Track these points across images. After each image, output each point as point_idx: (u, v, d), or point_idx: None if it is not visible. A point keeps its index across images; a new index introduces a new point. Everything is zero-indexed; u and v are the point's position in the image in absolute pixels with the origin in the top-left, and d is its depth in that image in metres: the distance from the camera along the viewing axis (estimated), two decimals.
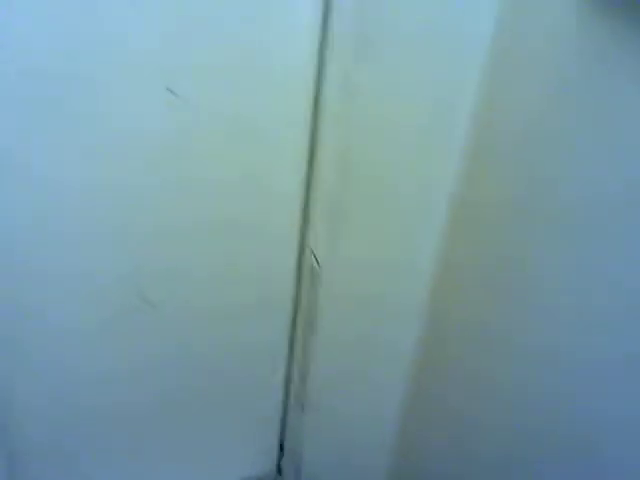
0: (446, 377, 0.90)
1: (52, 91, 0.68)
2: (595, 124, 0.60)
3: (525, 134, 0.69)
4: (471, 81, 0.73)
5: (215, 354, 0.99)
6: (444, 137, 0.77)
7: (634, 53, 0.54)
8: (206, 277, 0.91)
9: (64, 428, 0.94)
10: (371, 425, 1.05)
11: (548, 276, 0.68)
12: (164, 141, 0.77)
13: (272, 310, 0.99)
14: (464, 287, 0.82)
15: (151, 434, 1.03)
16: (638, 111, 0.54)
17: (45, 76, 0.67)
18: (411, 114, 0.76)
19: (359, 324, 0.93)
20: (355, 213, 0.84)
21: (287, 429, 1.14)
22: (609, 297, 0.61)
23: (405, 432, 1.03)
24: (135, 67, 0.71)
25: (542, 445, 0.72)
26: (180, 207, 0.83)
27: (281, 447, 1.17)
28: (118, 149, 0.75)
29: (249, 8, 0.72)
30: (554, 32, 0.63)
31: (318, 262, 0.90)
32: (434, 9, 0.70)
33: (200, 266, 0.89)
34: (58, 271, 0.80)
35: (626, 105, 0.56)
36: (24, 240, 0.76)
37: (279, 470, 1.19)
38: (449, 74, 0.74)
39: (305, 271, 0.95)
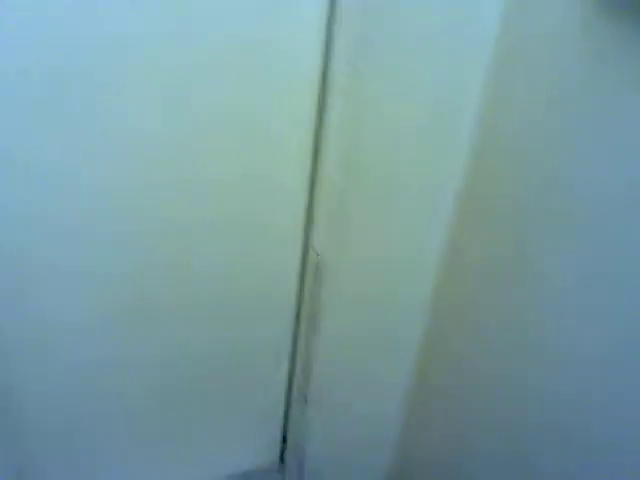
0: (449, 373, 0.90)
1: (53, 89, 0.68)
2: (597, 124, 0.60)
3: (529, 133, 0.69)
4: (476, 80, 0.73)
5: (219, 350, 1.00)
6: (449, 136, 0.78)
7: (637, 54, 0.54)
8: (210, 274, 0.91)
9: (69, 420, 0.95)
10: (373, 419, 1.06)
11: (551, 274, 0.69)
12: (166, 139, 0.77)
13: (276, 306, 1.00)
14: (467, 284, 0.83)
15: (155, 427, 1.03)
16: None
17: (45, 75, 0.67)
18: (416, 113, 0.76)
19: (362, 320, 0.94)
20: (359, 211, 0.84)
21: (290, 423, 1.15)
22: (610, 294, 0.62)
23: (407, 427, 1.04)
24: (137, 65, 0.70)
25: (544, 441, 0.72)
26: (184, 205, 0.83)
27: (284, 440, 1.18)
28: (121, 148, 0.75)
29: (253, 4, 0.72)
30: (558, 33, 0.63)
31: (321, 259, 0.90)
32: (441, 8, 0.71)
33: (204, 263, 0.90)
34: (59, 269, 0.80)
35: (629, 105, 0.56)
36: (25, 235, 0.76)
37: (282, 463, 1.20)
38: (454, 73, 0.74)
39: (309, 268, 0.95)
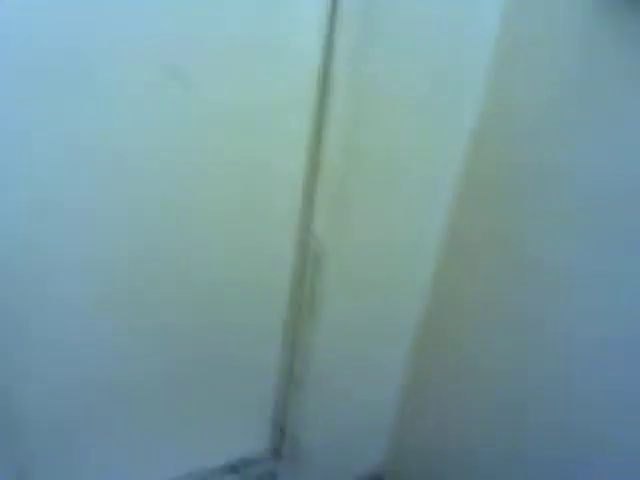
0: (446, 361, 0.92)
1: (55, 80, 0.67)
2: (595, 121, 0.64)
3: (529, 124, 0.73)
4: (476, 77, 0.76)
5: (214, 336, 0.99)
6: (450, 123, 0.80)
7: (636, 53, 0.58)
8: (209, 259, 0.90)
9: (64, 404, 0.92)
10: (370, 406, 1.07)
11: (549, 261, 0.71)
12: (166, 124, 0.76)
13: (274, 292, 0.99)
14: (467, 269, 0.85)
15: (149, 414, 1.02)
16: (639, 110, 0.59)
17: (45, 66, 0.66)
18: (417, 100, 0.78)
19: (360, 307, 0.95)
20: (360, 196, 0.85)
21: (286, 410, 1.15)
22: (609, 284, 0.65)
23: (403, 414, 1.05)
24: (138, 54, 0.70)
25: (540, 430, 0.75)
26: (183, 190, 0.82)
27: (280, 428, 1.19)
28: (121, 136, 0.74)
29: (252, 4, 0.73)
30: (558, 33, 0.66)
31: (322, 244, 0.91)
32: (441, 8, 0.74)
33: (203, 248, 0.89)
34: (59, 257, 0.79)
35: (628, 104, 0.59)
36: (26, 221, 0.75)
37: (277, 450, 1.21)
38: (454, 69, 0.77)
39: (308, 253, 0.95)
